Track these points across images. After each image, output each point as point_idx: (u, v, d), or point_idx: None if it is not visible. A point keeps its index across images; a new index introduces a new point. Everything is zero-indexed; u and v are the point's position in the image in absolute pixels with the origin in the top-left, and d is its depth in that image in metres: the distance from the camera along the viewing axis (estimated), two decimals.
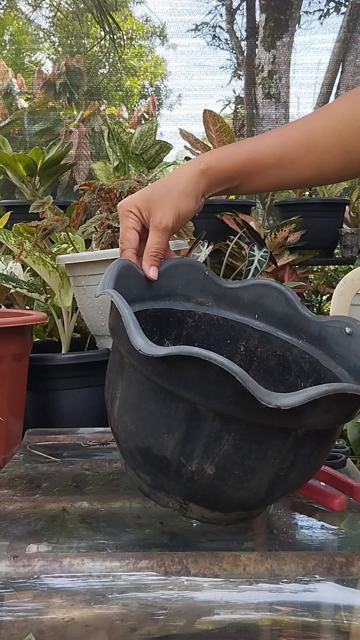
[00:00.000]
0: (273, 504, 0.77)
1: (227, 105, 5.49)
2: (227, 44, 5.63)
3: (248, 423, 0.62)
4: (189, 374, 0.61)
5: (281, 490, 0.68)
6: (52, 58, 7.28)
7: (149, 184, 0.89)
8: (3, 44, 6.82)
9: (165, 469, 0.67)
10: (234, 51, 5.33)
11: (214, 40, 5.81)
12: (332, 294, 1.67)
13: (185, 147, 2.94)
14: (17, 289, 1.55)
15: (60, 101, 4.66)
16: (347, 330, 0.73)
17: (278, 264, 2.52)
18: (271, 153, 0.77)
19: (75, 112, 4.64)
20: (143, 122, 4.31)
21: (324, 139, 0.75)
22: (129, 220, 0.75)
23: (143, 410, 0.67)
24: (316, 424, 0.62)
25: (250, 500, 0.67)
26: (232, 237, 2.32)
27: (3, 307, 1.71)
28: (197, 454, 0.64)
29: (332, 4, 5.03)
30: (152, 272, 0.75)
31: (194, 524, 0.73)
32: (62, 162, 2.78)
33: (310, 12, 4.92)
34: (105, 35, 3.85)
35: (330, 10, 5.06)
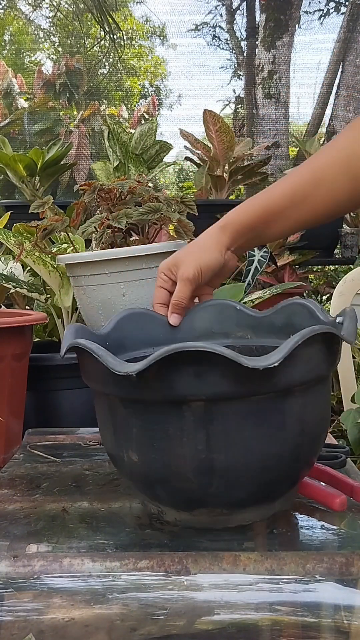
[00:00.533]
0: (272, 509, 0.76)
1: (227, 105, 5.50)
2: (227, 44, 5.63)
3: (138, 401, 0.65)
4: (88, 367, 0.67)
5: (220, 478, 0.65)
6: (52, 58, 7.29)
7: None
8: (3, 44, 6.82)
9: (117, 465, 0.72)
10: (234, 51, 5.34)
11: (214, 40, 5.82)
12: (332, 294, 1.67)
13: (185, 147, 2.94)
14: (17, 289, 1.55)
15: (60, 101, 4.66)
16: (339, 320, 0.75)
17: (278, 264, 2.53)
18: (283, 195, 0.82)
19: (75, 112, 4.65)
20: (143, 122, 4.31)
21: (329, 170, 0.80)
22: (159, 280, 0.85)
23: (99, 416, 0.74)
24: (199, 392, 0.62)
25: (193, 492, 0.67)
26: None
27: (3, 307, 1.71)
28: (122, 443, 0.68)
29: (332, 4, 5.04)
30: (172, 319, 0.84)
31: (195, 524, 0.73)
32: (62, 162, 2.78)
33: (310, 12, 4.93)
34: (105, 35, 3.85)
35: (330, 10, 5.07)
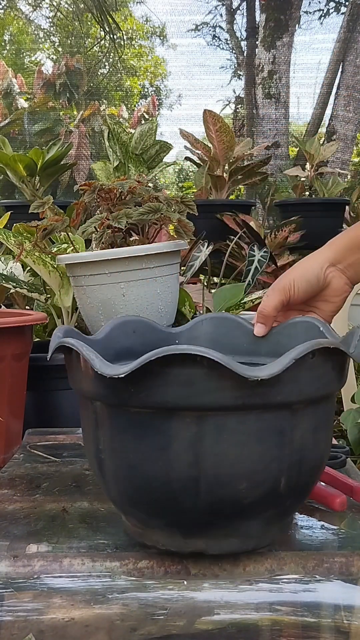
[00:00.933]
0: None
1: (227, 105, 5.50)
2: (227, 44, 5.64)
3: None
4: None
5: (113, 484, 0.64)
6: (52, 58, 7.29)
7: None
8: (3, 44, 6.82)
9: None
10: (234, 51, 5.34)
11: (214, 40, 5.82)
12: None
13: (185, 147, 2.94)
14: (17, 289, 1.55)
15: (60, 101, 4.66)
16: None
17: (278, 264, 2.53)
18: None
19: (75, 112, 4.65)
20: (143, 122, 4.31)
21: None
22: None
23: None
24: (84, 389, 0.64)
25: (102, 489, 0.68)
26: (232, 237, 2.32)
27: (3, 307, 1.71)
28: None
29: (332, 4, 5.05)
30: (256, 329, 0.80)
31: None
32: (62, 162, 2.78)
33: (310, 12, 4.93)
34: (105, 35, 3.85)
35: (330, 10, 5.07)
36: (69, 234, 1.40)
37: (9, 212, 1.95)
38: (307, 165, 3.20)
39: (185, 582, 0.62)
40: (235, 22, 5.06)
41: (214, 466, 0.59)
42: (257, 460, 0.59)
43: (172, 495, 0.60)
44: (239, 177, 2.82)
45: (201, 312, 1.51)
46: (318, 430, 0.63)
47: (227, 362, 0.55)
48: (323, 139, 4.14)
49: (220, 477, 0.59)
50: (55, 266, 1.42)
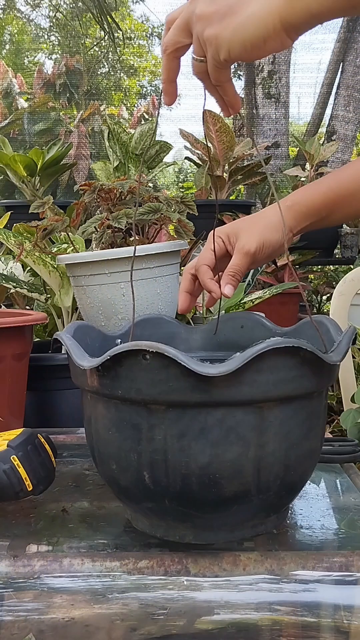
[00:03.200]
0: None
1: None
2: None
3: None
4: None
5: (100, 466, 0.69)
6: (52, 58, 7.29)
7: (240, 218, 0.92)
8: (3, 44, 6.82)
9: None
10: None
11: None
12: (332, 294, 1.67)
13: (185, 147, 2.94)
14: (17, 289, 1.55)
15: (60, 101, 4.66)
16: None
17: (278, 264, 2.53)
18: (353, 179, 0.79)
19: (75, 112, 4.65)
20: (143, 122, 4.31)
21: None
22: (212, 243, 0.78)
23: None
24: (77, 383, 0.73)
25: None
26: None
27: (3, 307, 1.71)
28: None
29: None
30: (227, 290, 0.77)
31: None
32: (62, 162, 2.78)
33: None
34: (104, 35, 3.85)
35: None
36: (69, 234, 1.40)
37: (9, 212, 1.95)
38: (307, 165, 3.20)
39: (185, 582, 0.62)
40: None
41: (97, 443, 0.68)
42: (120, 446, 0.64)
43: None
44: (239, 177, 2.82)
45: (201, 312, 1.51)
46: (184, 438, 0.60)
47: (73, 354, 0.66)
48: (323, 139, 4.14)
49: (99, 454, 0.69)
50: (55, 266, 1.42)
